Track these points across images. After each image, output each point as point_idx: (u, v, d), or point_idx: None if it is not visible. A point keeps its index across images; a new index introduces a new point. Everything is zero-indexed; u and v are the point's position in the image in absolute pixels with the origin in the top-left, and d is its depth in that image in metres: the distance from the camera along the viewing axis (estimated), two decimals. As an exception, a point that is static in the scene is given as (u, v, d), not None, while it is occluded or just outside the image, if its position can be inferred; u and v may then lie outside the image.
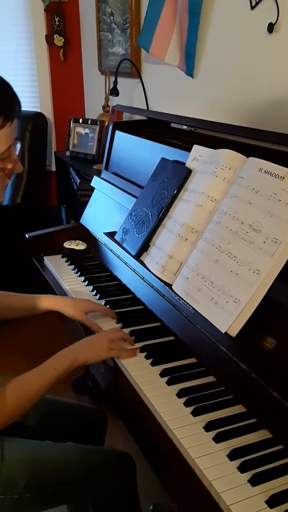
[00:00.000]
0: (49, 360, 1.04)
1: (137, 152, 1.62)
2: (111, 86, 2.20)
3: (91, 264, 1.60)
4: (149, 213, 1.31)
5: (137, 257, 1.29)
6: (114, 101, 2.34)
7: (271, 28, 1.43)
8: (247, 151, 1.13)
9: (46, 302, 1.27)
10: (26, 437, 1.12)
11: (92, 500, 1.09)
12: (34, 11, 2.75)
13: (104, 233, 1.50)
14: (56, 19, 2.75)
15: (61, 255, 1.67)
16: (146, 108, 2.18)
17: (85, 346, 1.10)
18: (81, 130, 2.52)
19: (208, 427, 0.89)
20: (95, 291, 1.40)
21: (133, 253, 1.30)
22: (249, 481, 0.78)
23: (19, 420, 1.20)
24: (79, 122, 2.54)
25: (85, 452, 1.12)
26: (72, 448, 1.12)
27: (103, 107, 2.42)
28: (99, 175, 1.80)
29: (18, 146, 0.90)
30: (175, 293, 1.13)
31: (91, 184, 1.81)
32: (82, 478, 1.06)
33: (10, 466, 1.02)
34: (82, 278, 1.49)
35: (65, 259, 1.64)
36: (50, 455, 1.08)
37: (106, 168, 1.79)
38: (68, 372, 1.04)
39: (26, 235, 1.73)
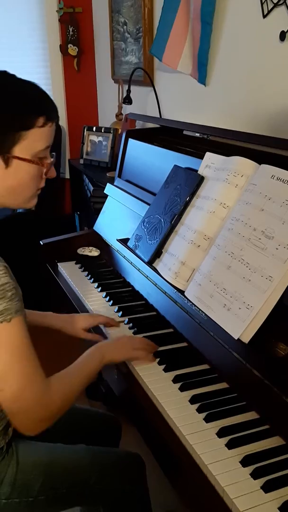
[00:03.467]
0: (81, 358, 1.05)
1: (150, 160, 1.64)
2: (124, 94, 2.22)
3: (105, 270, 1.61)
4: (162, 220, 1.32)
5: (150, 263, 1.30)
6: (127, 109, 2.37)
7: (283, 36, 1.43)
8: (259, 158, 1.14)
9: (47, 319, 1.27)
10: (40, 441, 1.13)
11: (104, 501, 1.09)
12: (49, 21, 2.79)
13: (117, 240, 1.51)
14: (70, 29, 2.79)
15: (74, 261, 1.69)
16: (159, 116, 2.19)
17: (111, 345, 1.12)
18: (94, 138, 2.55)
19: (221, 433, 0.89)
20: (108, 297, 1.41)
21: (146, 260, 1.31)
22: (262, 487, 0.77)
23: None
24: (92, 130, 2.57)
25: (96, 453, 1.12)
26: (84, 449, 1.12)
27: (117, 115, 2.45)
28: (112, 182, 1.82)
29: (53, 157, 0.97)
30: (188, 299, 1.14)
31: (105, 192, 1.83)
32: (94, 479, 1.07)
33: (25, 470, 1.03)
34: (96, 284, 1.50)
35: (78, 265, 1.66)
36: (62, 457, 1.09)
37: (119, 176, 1.81)
38: (98, 370, 1.05)
39: (41, 242, 1.75)
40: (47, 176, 0.98)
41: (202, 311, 1.08)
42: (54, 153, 0.98)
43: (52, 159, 0.97)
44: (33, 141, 0.90)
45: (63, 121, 2.97)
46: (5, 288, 0.86)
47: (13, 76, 0.92)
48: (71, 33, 2.80)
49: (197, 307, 1.10)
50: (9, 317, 0.86)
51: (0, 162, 0.90)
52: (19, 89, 0.91)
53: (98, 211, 1.87)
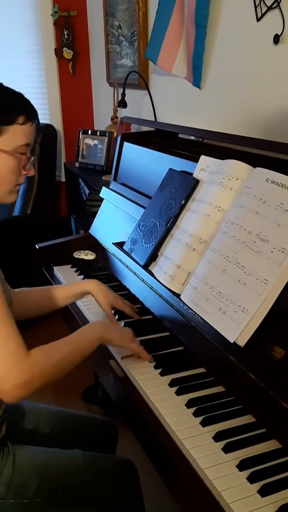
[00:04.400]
0: (79, 330, 1.06)
1: (145, 163, 1.64)
2: (119, 97, 2.22)
3: (100, 274, 1.61)
4: (157, 223, 1.32)
5: (146, 267, 1.30)
6: (122, 112, 2.37)
7: (276, 39, 1.44)
8: (254, 161, 1.14)
9: (77, 287, 1.30)
10: (37, 446, 1.13)
11: (99, 505, 1.09)
12: (44, 25, 2.80)
13: (113, 243, 1.51)
14: (65, 33, 2.80)
15: (70, 265, 1.69)
16: (154, 119, 2.20)
17: (113, 326, 1.15)
18: (90, 141, 2.55)
19: (217, 437, 0.89)
20: (105, 285, 1.40)
21: (142, 263, 1.31)
22: (258, 491, 0.77)
23: (31, 429, 1.22)
24: (88, 134, 2.57)
25: (91, 458, 1.13)
26: (79, 454, 1.13)
27: (112, 119, 2.45)
28: (107, 185, 1.82)
29: (32, 159, 1.06)
30: (184, 303, 1.14)
31: (100, 195, 1.83)
32: (90, 483, 1.07)
33: (21, 471, 1.03)
34: (92, 288, 1.49)
35: (74, 269, 1.65)
36: (59, 460, 1.10)
37: (115, 179, 1.81)
38: (96, 345, 1.05)
39: (36, 245, 1.75)
40: (26, 172, 1.06)
41: (198, 315, 1.08)
42: (33, 157, 1.08)
43: (32, 157, 1.06)
44: (14, 136, 0.99)
45: (58, 125, 2.97)
46: None
47: (2, 84, 1.03)
48: (66, 36, 2.81)
49: (193, 311, 1.10)
50: None
51: None
52: (4, 91, 1.02)
53: (93, 215, 1.87)
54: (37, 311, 1.28)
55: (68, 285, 1.34)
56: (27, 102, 1.04)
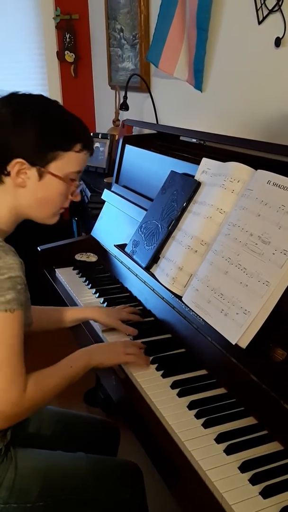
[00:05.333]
0: (66, 359, 1.07)
1: (146, 166, 1.64)
2: (121, 100, 2.23)
3: (102, 276, 1.61)
4: (159, 226, 1.33)
5: (147, 269, 1.30)
6: (124, 115, 2.38)
7: (278, 42, 1.45)
8: (256, 163, 1.14)
9: (79, 312, 1.32)
10: (39, 448, 1.13)
11: (102, 509, 1.09)
12: (46, 28, 2.81)
13: (115, 246, 1.51)
14: (67, 36, 2.81)
15: (72, 267, 1.69)
16: (155, 122, 2.20)
17: (101, 349, 1.14)
18: (91, 144, 2.55)
19: (219, 439, 0.89)
20: (106, 303, 1.41)
21: (143, 265, 1.31)
22: (260, 493, 0.77)
23: (33, 432, 1.22)
24: (89, 136, 2.57)
25: (94, 461, 1.12)
26: (83, 457, 1.12)
27: (113, 122, 2.46)
28: (109, 188, 1.83)
29: (81, 183, 1.10)
30: (185, 304, 1.14)
31: (102, 197, 1.83)
32: (92, 487, 1.07)
33: (24, 475, 1.03)
34: (93, 290, 1.50)
35: (76, 271, 1.66)
36: (61, 464, 1.09)
37: (117, 181, 1.81)
38: (83, 373, 1.07)
39: (38, 248, 1.75)
40: (72, 198, 1.08)
41: (200, 317, 1.08)
42: (82, 181, 1.11)
43: (80, 183, 1.10)
44: (68, 162, 1.02)
45: (60, 127, 2.98)
46: (17, 281, 0.92)
47: (63, 107, 1.06)
48: (68, 39, 2.82)
49: (195, 313, 1.10)
50: (14, 308, 0.90)
51: (35, 174, 1.00)
52: (66, 118, 1.05)
53: (95, 217, 1.87)
54: (37, 329, 1.26)
55: (71, 309, 1.34)
56: (86, 130, 1.07)
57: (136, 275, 1.45)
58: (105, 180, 2.27)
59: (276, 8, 1.43)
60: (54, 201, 1.05)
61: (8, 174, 0.99)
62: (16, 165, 0.98)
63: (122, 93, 2.22)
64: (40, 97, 1.04)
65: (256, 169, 1.12)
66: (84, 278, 1.59)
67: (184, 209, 1.27)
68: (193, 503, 0.83)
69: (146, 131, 1.97)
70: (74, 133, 1.03)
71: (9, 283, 0.90)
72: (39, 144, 0.98)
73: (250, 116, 1.65)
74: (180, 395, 1.01)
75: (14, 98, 1.02)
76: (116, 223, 1.70)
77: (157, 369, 1.10)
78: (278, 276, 0.95)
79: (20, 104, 1.00)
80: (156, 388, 1.04)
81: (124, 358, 1.11)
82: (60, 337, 1.43)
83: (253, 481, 0.79)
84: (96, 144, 2.53)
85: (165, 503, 1.16)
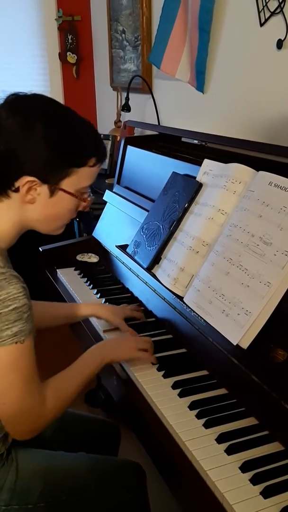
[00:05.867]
0: (79, 360, 1.07)
1: (148, 167, 1.65)
2: (123, 102, 2.24)
3: (104, 276, 1.62)
4: (161, 226, 1.33)
5: (149, 269, 1.31)
6: (125, 116, 2.38)
7: (280, 44, 1.45)
8: (257, 165, 1.15)
9: (86, 309, 1.31)
10: (40, 448, 1.13)
11: (104, 510, 1.09)
12: (48, 29, 2.81)
13: (116, 246, 1.52)
14: (69, 37, 2.81)
15: (74, 267, 1.69)
16: (157, 123, 2.21)
17: (113, 344, 1.14)
18: (93, 145, 2.56)
19: (220, 439, 0.89)
20: (107, 304, 1.41)
21: (145, 266, 1.32)
22: (261, 493, 0.78)
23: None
24: (91, 137, 2.57)
25: (96, 461, 1.13)
26: (84, 457, 1.13)
27: (115, 123, 2.46)
28: (111, 189, 1.83)
29: (90, 194, 1.05)
30: (187, 305, 1.14)
31: (103, 198, 1.84)
32: (94, 488, 1.07)
33: (25, 476, 1.03)
34: (95, 291, 1.50)
35: (77, 271, 1.66)
36: (62, 464, 1.09)
37: (118, 182, 1.82)
38: (98, 370, 1.07)
39: (40, 248, 1.75)
40: (81, 209, 1.04)
41: (201, 317, 1.09)
42: (89, 190, 1.04)
43: (91, 197, 1.05)
44: (81, 178, 0.97)
45: (62, 128, 2.98)
46: (23, 310, 0.88)
47: (75, 114, 0.98)
48: (70, 41, 2.82)
49: (196, 313, 1.10)
50: (22, 339, 0.88)
51: (46, 191, 0.94)
52: (81, 130, 0.97)
53: (97, 218, 1.87)
54: (46, 325, 1.26)
55: (80, 305, 1.34)
56: (100, 142, 1.00)
57: (138, 276, 1.45)
58: (106, 181, 2.27)
59: (278, 10, 1.43)
60: (63, 216, 1.01)
61: (17, 190, 0.92)
62: (26, 183, 0.91)
63: (124, 94, 2.23)
64: (48, 101, 0.96)
65: (257, 170, 1.12)
66: (86, 279, 1.59)
67: (185, 210, 1.27)
68: (194, 503, 0.84)
69: (148, 132, 1.98)
70: (90, 147, 0.97)
71: (15, 314, 0.87)
72: (52, 162, 0.92)
73: (251, 118, 1.65)
74: (181, 395, 1.02)
75: (19, 103, 0.93)
76: (117, 224, 1.70)
77: (158, 369, 1.10)
78: (279, 277, 0.95)
79: (29, 113, 0.91)
80: (157, 389, 1.04)
81: (137, 353, 1.11)
82: (62, 336, 1.43)
83: (254, 481, 0.80)
84: (98, 145, 2.54)
85: (166, 503, 1.16)
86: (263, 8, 1.49)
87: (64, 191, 0.95)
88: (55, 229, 1.04)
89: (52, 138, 0.91)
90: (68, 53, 2.85)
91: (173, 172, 1.41)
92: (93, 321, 1.34)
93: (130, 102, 2.21)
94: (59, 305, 1.34)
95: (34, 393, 0.93)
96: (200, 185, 1.27)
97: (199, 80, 1.84)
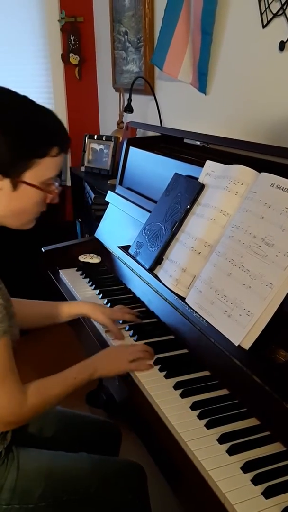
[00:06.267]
0: (71, 369, 1.07)
1: (150, 168, 1.65)
2: (125, 103, 2.24)
3: (106, 277, 1.62)
4: (163, 227, 1.33)
5: (151, 270, 1.31)
6: (128, 117, 2.39)
7: (282, 46, 1.45)
8: (259, 166, 1.15)
9: (74, 307, 1.29)
10: (41, 449, 1.13)
11: (105, 510, 1.09)
12: (50, 30, 2.82)
13: (118, 247, 1.52)
14: (72, 38, 2.82)
15: (76, 268, 1.70)
16: (159, 125, 2.21)
17: (106, 359, 1.13)
18: (95, 146, 2.57)
19: (222, 439, 0.89)
20: (109, 304, 1.42)
21: (147, 267, 1.32)
22: (262, 493, 0.78)
23: (35, 432, 1.23)
24: (94, 138, 2.58)
25: (97, 461, 1.13)
26: (85, 457, 1.13)
27: (118, 124, 2.47)
28: (113, 190, 1.83)
29: (57, 183, 1.00)
30: (189, 306, 1.15)
31: (106, 199, 1.84)
32: (95, 488, 1.07)
33: (26, 476, 1.03)
34: (97, 291, 1.51)
35: (80, 272, 1.67)
36: (64, 464, 1.10)
37: (121, 183, 1.82)
38: (88, 381, 1.07)
39: (42, 249, 1.76)
40: (50, 201, 1.00)
41: (203, 318, 1.09)
42: (58, 181, 1.00)
43: (58, 188, 1.00)
44: (44, 169, 0.93)
45: (64, 129, 2.99)
46: None
47: (33, 103, 0.93)
48: (72, 42, 2.83)
49: (198, 314, 1.11)
50: None
51: (8, 185, 0.91)
52: (39, 119, 0.93)
53: (99, 218, 1.88)
54: (29, 325, 1.25)
55: (65, 304, 1.31)
56: (62, 130, 0.96)
57: (140, 277, 1.45)
58: (109, 182, 2.28)
59: (281, 12, 1.44)
60: (30, 210, 0.97)
61: None
62: None
63: (127, 96, 2.23)
64: (7, 93, 0.92)
65: (259, 171, 1.12)
66: (88, 279, 1.60)
67: (188, 211, 1.28)
68: (196, 503, 0.84)
69: (150, 133, 1.98)
70: (50, 136, 0.93)
71: None
72: (11, 154, 0.88)
73: (254, 119, 1.65)
74: (183, 395, 1.02)
75: None
76: (119, 224, 1.71)
77: (160, 369, 1.11)
78: (281, 278, 0.96)
79: None
80: (159, 389, 1.04)
81: (128, 367, 1.10)
82: (63, 336, 1.43)
83: (256, 481, 0.80)
84: (100, 146, 2.54)
85: (167, 502, 1.16)
86: (265, 10, 1.50)
87: (27, 183, 0.92)
88: (24, 223, 1.00)
89: (8, 130, 0.87)
90: (71, 54, 2.86)
91: (175, 173, 1.41)
92: (95, 320, 1.34)
93: (132, 103, 2.22)
94: (43, 303, 1.30)
95: (10, 389, 0.93)
96: (202, 186, 1.27)
97: (202, 82, 1.84)
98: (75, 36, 2.82)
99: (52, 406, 1.03)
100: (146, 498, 1.16)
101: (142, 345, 1.17)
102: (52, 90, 2.95)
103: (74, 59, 2.87)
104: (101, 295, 1.48)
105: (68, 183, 3.01)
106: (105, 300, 1.44)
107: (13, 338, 0.97)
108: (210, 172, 1.28)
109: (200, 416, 0.95)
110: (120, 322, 1.31)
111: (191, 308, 1.13)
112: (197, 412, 0.97)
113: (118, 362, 1.11)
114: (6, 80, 3.13)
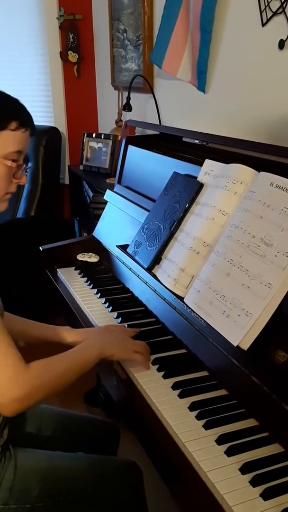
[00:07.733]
0: (79, 346, 1.06)
1: (149, 166, 1.64)
2: (124, 101, 2.23)
3: (104, 276, 1.62)
4: (161, 227, 1.33)
5: (149, 270, 1.31)
6: (127, 116, 2.38)
7: (282, 44, 1.45)
8: (259, 165, 1.14)
9: (72, 336, 1.23)
10: (38, 448, 1.13)
11: (102, 510, 1.09)
12: (49, 28, 2.81)
13: (117, 246, 1.52)
14: (70, 36, 2.81)
15: (74, 267, 1.69)
16: (158, 123, 2.20)
17: (113, 340, 1.12)
18: (94, 144, 2.56)
19: (220, 440, 0.89)
20: (107, 304, 1.41)
21: (145, 266, 1.31)
22: (261, 495, 0.77)
23: (33, 432, 1.22)
24: (92, 137, 2.58)
25: (93, 461, 1.13)
26: (82, 457, 1.13)
27: (116, 122, 2.46)
28: (112, 188, 1.83)
29: (29, 166, 0.98)
30: (187, 306, 1.14)
31: (104, 198, 1.83)
32: (92, 487, 1.07)
33: (23, 476, 1.03)
34: (95, 291, 1.50)
35: (78, 271, 1.66)
36: (61, 464, 1.10)
37: (119, 182, 1.81)
38: (95, 362, 1.06)
39: (40, 247, 1.75)
40: (17, 181, 1.02)
41: (201, 318, 1.08)
42: (30, 164, 1.02)
43: (24, 164, 1.02)
44: (5, 142, 0.96)
45: (63, 127, 2.98)
46: None
47: None
48: (71, 40, 2.82)
49: (196, 314, 1.10)
50: None
51: None
52: None
53: (97, 217, 1.87)
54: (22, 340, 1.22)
55: (59, 330, 1.23)
56: (21, 108, 1.00)
57: (138, 276, 1.45)
58: (107, 181, 2.27)
59: (280, 10, 1.43)
60: None
61: None
62: None
63: (125, 94, 2.22)
64: None
65: (259, 171, 1.12)
66: (86, 278, 1.59)
67: (186, 211, 1.27)
68: (193, 504, 0.83)
69: (149, 132, 1.98)
70: (7, 110, 0.97)
71: None
72: None
73: (253, 118, 1.65)
74: (181, 396, 1.01)
75: None
76: (118, 223, 1.70)
77: (158, 370, 1.10)
78: (280, 278, 0.95)
79: None
80: (157, 389, 1.04)
81: (133, 355, 1.10)
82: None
83: (254, 482, 0.80)
84: (99, 145, 2.54)
85: (164, 503, 1.16)
86: (265, 8, 1.49)
87: None
88: None
89: None
90: (69, 52, 2.85)
91: (174, 172, 1.40)
92: (92, 320, 1.34)
93: (131, 102, 2.21)
94: (43, 326, 1.25)
95: (14, 362, 0.92)
96: (201, 186, 1.27)
97: (201, 80, 1.84)
98: (73, 34, 2.81)
99: (63, 380, 0.99)
100: (143, 497, 1.16)
101: (144, 343, 1.16)
102: (50, 88, 2.94)
103: (72, 56, 2.86)
104: (99, 294, 1.48)
105: (67, 182, 3.00)
106: (103, 300, 1.44)
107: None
108: (209, 171, 1.27)
109: (198, 417, 0.95)
110: (119, 320, 1.31)
111: (190, 308, 1.13)
112: (195, 412, 0.96)
113: (125, 347, 1.11)
114: (5, 77, 3.13)
